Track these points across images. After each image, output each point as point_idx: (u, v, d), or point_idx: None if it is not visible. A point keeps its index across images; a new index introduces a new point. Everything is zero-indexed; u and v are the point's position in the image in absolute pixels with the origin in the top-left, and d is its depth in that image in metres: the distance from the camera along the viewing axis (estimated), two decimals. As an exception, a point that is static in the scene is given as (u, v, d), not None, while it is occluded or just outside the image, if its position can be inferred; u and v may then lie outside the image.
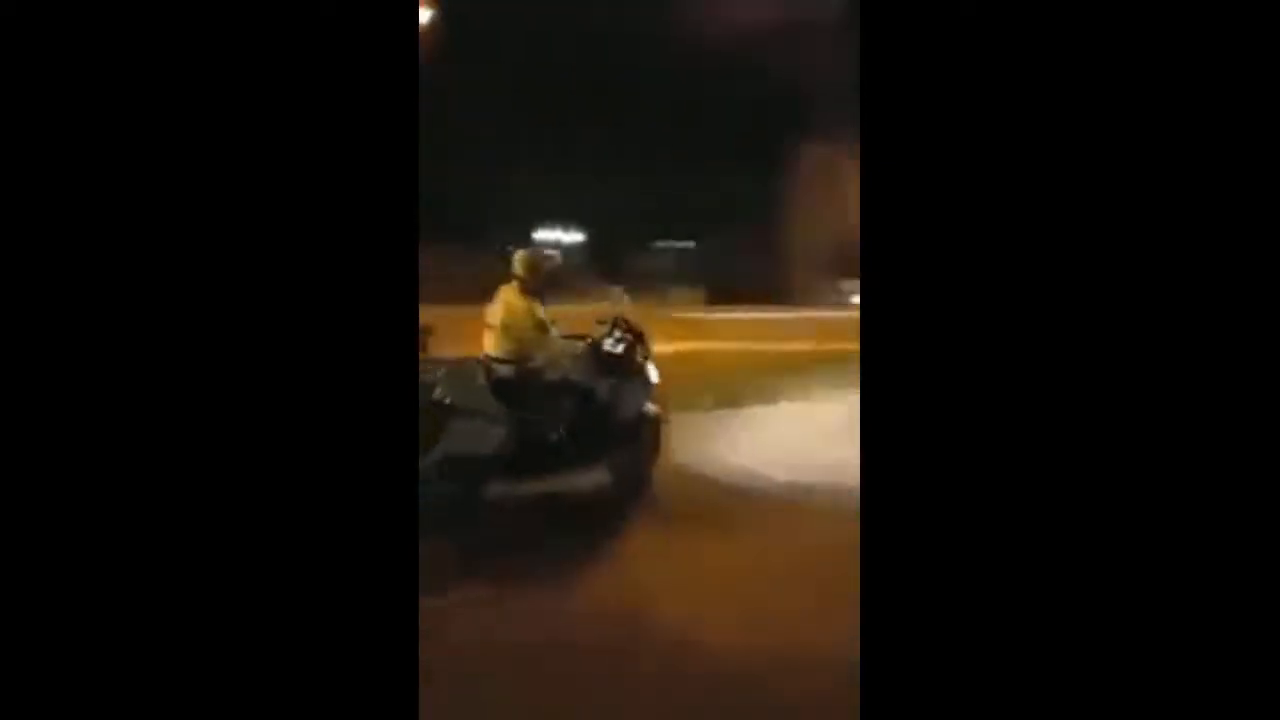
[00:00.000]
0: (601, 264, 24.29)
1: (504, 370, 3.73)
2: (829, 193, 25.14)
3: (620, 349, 4.07)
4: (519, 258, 3.91)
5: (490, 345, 3.83)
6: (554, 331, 3.88)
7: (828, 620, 2.21)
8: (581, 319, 4.08)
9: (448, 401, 3.32)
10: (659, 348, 4.31)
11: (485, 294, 4.00)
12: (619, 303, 4.53)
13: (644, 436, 4.09)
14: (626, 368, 4.07)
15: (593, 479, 3.83)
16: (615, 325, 4.21)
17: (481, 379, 3.65)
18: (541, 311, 3.80)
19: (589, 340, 4.12)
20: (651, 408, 4.18)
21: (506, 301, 3.83)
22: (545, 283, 3.92)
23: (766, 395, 7.14)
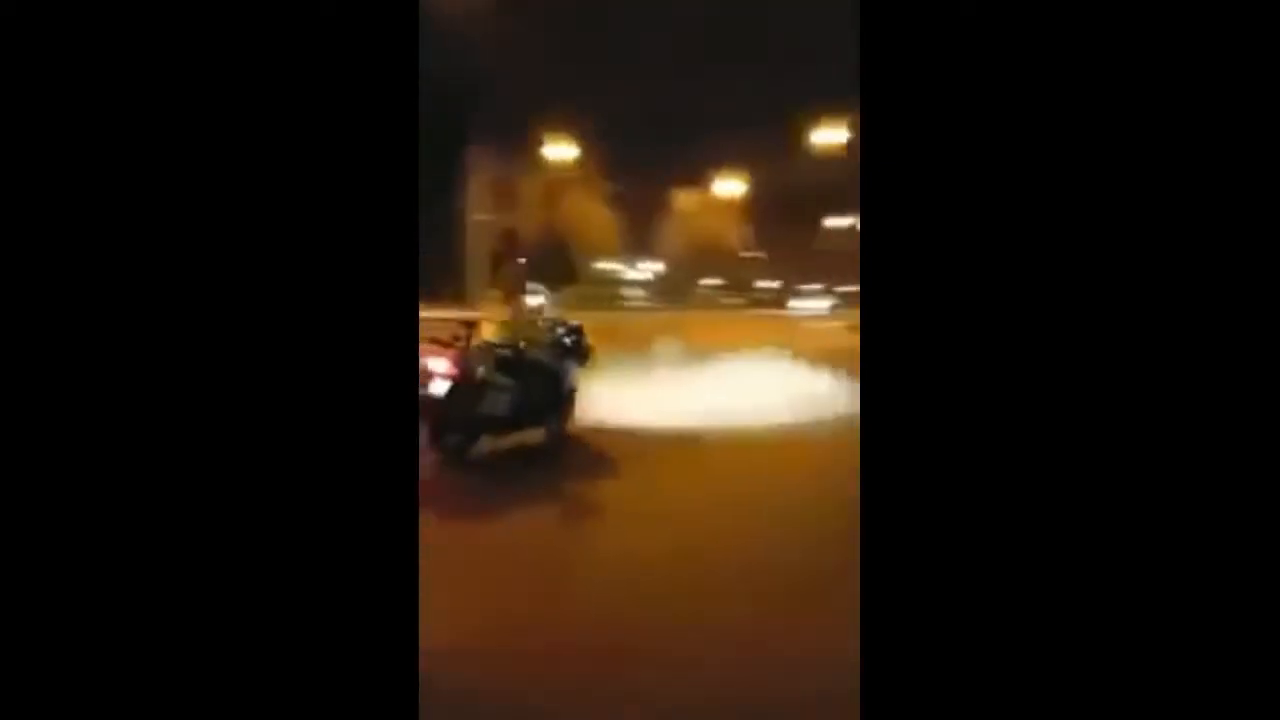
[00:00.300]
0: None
1: (505, 354, 5.08)
2: (499, 196, 25.70)
3: (570, 340, 5.59)
4: (514, 265, 5.59)
5: (492, 335, 5.30)
6: (541, 326, 5.53)
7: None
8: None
9: (486, 378, 4.80)
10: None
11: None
12: (557, 304, 6.13)
13: (570, 402, 5.67)
14: (575, 353, 5.62)
15: (540, 433, 5.32)
16: (560, 322, 5.72)
17: (492, 361, 4.95)
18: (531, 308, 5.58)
19: (556, 333, 5.57)
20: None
21: (507, 301, 5.50)
22: (522, 288, 5.59)
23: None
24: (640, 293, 38.79)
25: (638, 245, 40.18)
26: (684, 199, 41.79)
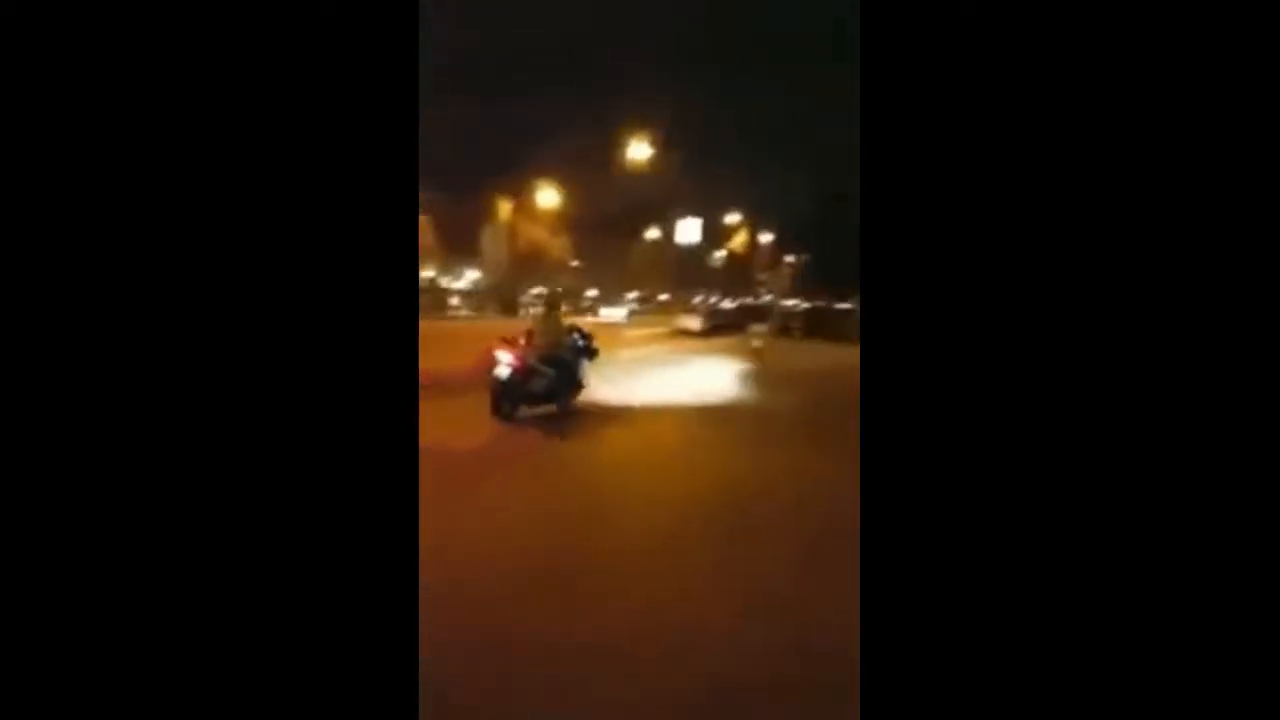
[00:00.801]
0: None
1: (546, 352, 7.57)
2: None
3: (583, 343, 8.17)
4: (550, 292, 8.66)
5: (538, 339, 7.65)
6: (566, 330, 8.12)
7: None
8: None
9: (535, 368, 7.31)
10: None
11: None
12: (571, 316, 10.66)
13: (578, 387, 8.10)
14: (586, 352, 8.19)
15: (553, 406, 7.65)
16: (575, 328, 8.27)
17: (538, 356, 7.47)
18: (564, 322, 8.14)
19: (574, 337, 8.10)
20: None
21: (546, 317, 7.93)
22: (559, 305, 8.46)
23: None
24: (456, 301, 38.02)
25: (461, 254, 39.23)
26: (505, 209, 41.43)
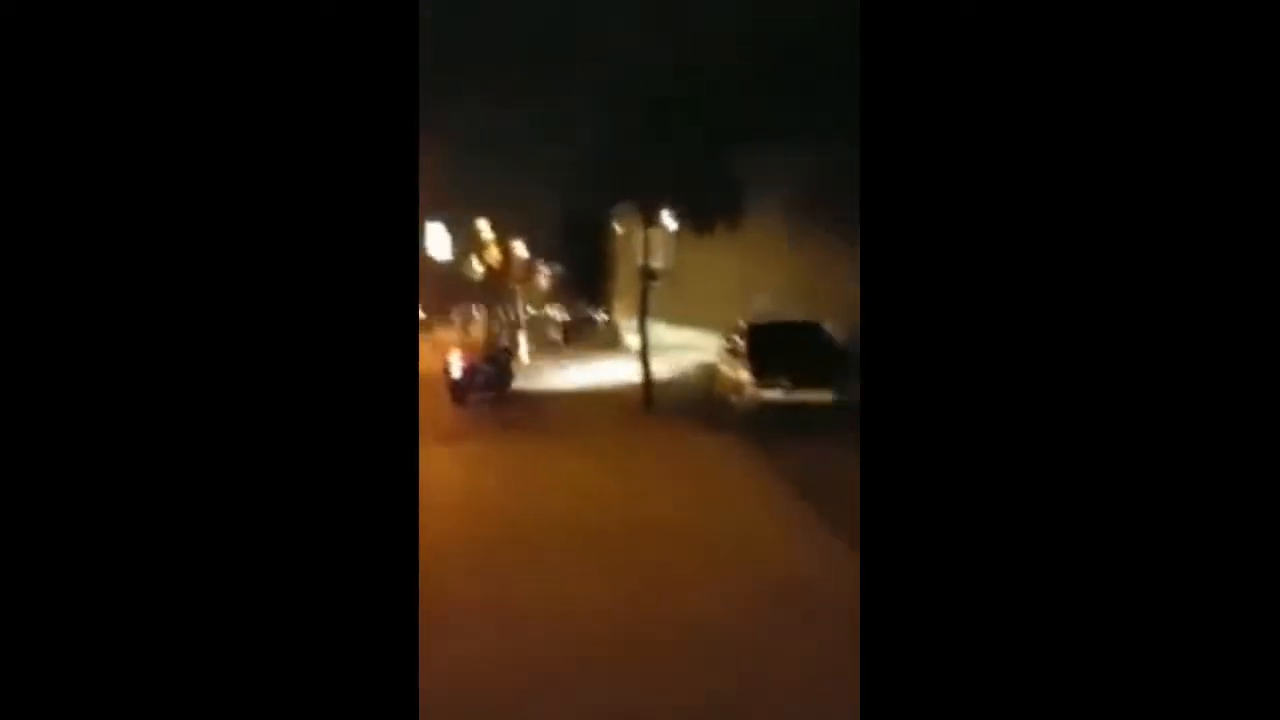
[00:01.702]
0: None
1: (488, 353, 11.83)
2: None
3: (507, 346, 13.61)
4: (490, 311, 19.39)
5: (480, 343, 13.51)
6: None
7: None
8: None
9: (480, 366, 11.07)
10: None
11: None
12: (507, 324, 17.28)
13: (511, 378, 11.61)
14: (512, 354, 12.98)
15: (492, 394, 10.77)
16: (501, 337, 14.41)
17: (482, 358, 11.39)
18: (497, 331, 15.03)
19: (501, 342, 13.67)
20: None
21: (487, 328, 17.14)
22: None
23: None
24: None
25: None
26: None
